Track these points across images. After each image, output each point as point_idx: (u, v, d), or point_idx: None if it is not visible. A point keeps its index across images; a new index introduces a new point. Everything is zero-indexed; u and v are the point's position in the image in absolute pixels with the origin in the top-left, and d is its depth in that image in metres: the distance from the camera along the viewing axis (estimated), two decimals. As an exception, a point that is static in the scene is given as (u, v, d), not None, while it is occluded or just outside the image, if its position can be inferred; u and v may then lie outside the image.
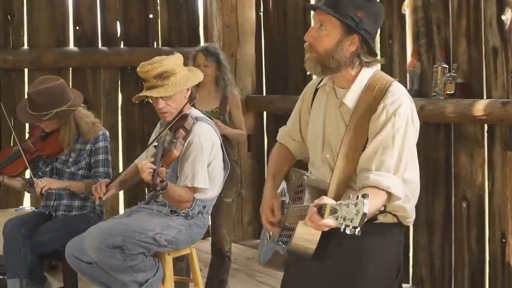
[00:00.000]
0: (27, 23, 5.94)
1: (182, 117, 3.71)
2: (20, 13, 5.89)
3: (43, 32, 5.98)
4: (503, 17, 4.37)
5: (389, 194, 2.58)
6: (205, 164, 3.71)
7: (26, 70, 5.97)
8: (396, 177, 2.60)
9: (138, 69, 3.80)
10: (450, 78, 4.54)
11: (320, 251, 2.70)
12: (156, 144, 3.64)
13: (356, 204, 2.27)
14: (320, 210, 2.39)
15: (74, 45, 6.14)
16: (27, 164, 4.14)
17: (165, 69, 3.69)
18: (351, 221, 2.26)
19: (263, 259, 3.04)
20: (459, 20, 4.66)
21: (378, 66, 2.96)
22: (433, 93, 4.65)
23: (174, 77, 3.71)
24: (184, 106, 3.76)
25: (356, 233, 2.25)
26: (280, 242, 2.81)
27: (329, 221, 2.37)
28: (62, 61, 5.98)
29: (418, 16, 4.96)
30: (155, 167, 3.40)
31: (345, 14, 2.62)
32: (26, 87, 5.94)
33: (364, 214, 2.24)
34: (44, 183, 4.03)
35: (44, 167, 4.30)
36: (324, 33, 2.65)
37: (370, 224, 2.63)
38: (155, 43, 6.49)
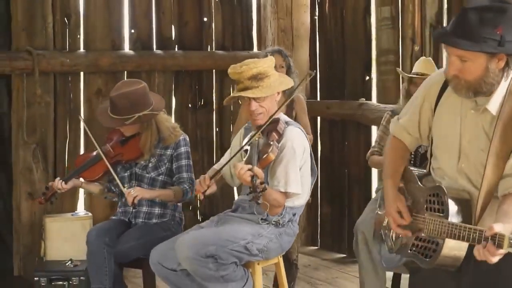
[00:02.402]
0: (83, 26, 5.86)
1: (274, 121, 3.63)
2: (76, 16, 5.81)
3: (99, 35, 5.90)
4: None
5: None
6: (298, 169, 3.64)
7: (82, 74, 5.89)
8: None
9: (229, 70, 3.73)
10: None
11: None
12: (248, 148, 3.56)
13: None
14: (494, 240, 2.35)
15: (129, 49, 6.07)
16: (110, 168, 4.05)
17: (260, 70, 3.62)
18: None
19: (387, 262, 2.98)
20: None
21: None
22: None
23: (268, 79, 3.64)
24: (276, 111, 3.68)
25: None
26: (417, 253, 2.73)
27: (505, 251, 2.36)
28: (118, 64, 5.91)
29: None
30: (253, 169, 3.33)
31: (484, 40, 2.51)
32: (82, 90, 5.88)
33: None
34: (137, 193, 3.95)
35: (123, 172, 4.23)
36: (468, 64, 2.57)
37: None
38: (209, 46, 6.41)
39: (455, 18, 2.62)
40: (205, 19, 6.37)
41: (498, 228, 2.37)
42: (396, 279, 4.53)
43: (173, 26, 6.25)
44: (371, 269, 4.40)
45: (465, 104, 2.71)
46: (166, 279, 3.75)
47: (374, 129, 6.05)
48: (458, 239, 2.52)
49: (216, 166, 3.97)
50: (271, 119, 3.63)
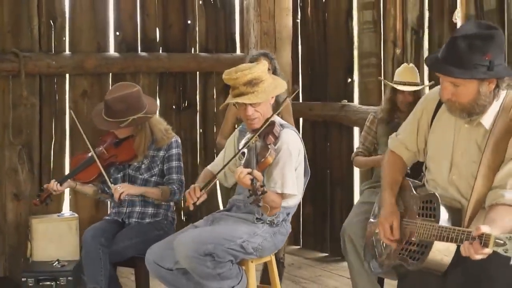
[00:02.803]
0: (69, 28, 5.91)
1: (270, 124, 3.72)
2: (62, 18, 5.85)
3: (84, 37, 5.95)
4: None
5: None
6: (294, 171, 3.73)
7: (67, 75, 5.93)
8: None
9: (224, 76, 3.78)
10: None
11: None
12: (245, 151, 3.64)
13: None
14: (481, 239, 2.45)
15: (114, 51, 6.12)
16: (102, 170, 4.12)
17: (255, 76, 3.68)
18: None
19: (374, 269, 3.08)
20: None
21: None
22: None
23: (263, 84, 3.71)
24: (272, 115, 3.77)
25: None
26: (406, 257, 2.84)
27: (490, 251, 2.45)
28: (103, 66, 5.96)
29: (462, 24, 5.00)
30: (252, 172, 3.41)
31: (475, 66, 2.66)
32: (67, 92, 5.92)
33: None
34: (123, 189, 4.02)
35: (116, 173, 4.30)
36: (460, 89, 2.71)
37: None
38: (192, 49, 6.48)
39: (446, 46, 2.78)
40: (189, 21, 6.44)
41: (485, 229, 2.48)
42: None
43: (157, 29, 6.31)
44: (361, 269, 4.53)
45: (459, 119, 2.85)
46: (163, 279, 3.81)
47: (356, 130, 6.18)
48: (447, 240, 2.63)
49: (210, 168, 4.04)
50: (267, 122, 3.72)
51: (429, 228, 2.73)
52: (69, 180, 4.24)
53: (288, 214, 3.89)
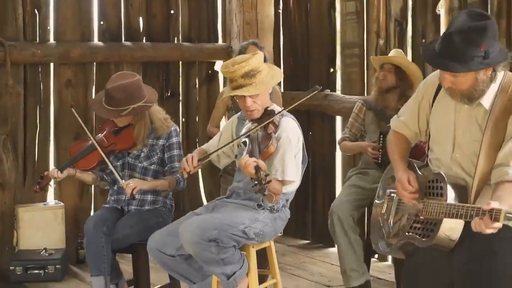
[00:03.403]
0: (53, 17, 5.90)
1: (269, 113, 3.79)
2: (46, 7, 5.84)
3: (69, 27, 5.94)
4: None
5: None
6: (293, 158, 3.81)
7: (52, 65, 5.93)
8: None
9: (222, 69, 3.85)
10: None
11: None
12: (245, 140, 3.70)
13: None
14: (491, 214, 2.57)
15: (98, 40, 6.12)
16: (105, 158, 4.16)
17: (252, 67, 3.74)
18: None
19: (383, 249, 3.19)
20: (499, 20, 4.84)
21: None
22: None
23: (260, 74, 3.77)
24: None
25: None
26: (415, 235, 2.94)
27: (501, 225, 2.58)
28: (88, 55, 5.96)
29: (454, 17, 5.12)
30: (257, 161, 3.49)
31: (471, 58, 2.78)
32: (52, 81, 5.92)
33: None
34: (135, 185, 4.06)
35: (115, 161, 4.33)
36: (459, 79, 2.85)
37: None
38: (175, 38, 6.51)
39: (441, 41, 2.89)
40: (172, 11, 6.47)
41: (495, 204, 2.61)
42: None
43: (141, 18, 6.32)
44: (348, 247, 4.75)
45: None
46: (164, 265, 3.88)
47: (338, 119, 6.29)
48: (457, 217, 2.75)
49: (205, 147, 4.11)
50: (267, 111, 3.79)
51: (438, 206, 2.85)
52: (69, 167, 4.26)
53: (287, 200, 3.98)
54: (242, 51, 5.21)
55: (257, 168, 3.44)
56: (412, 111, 3.21)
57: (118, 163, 4.33)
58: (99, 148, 4.18)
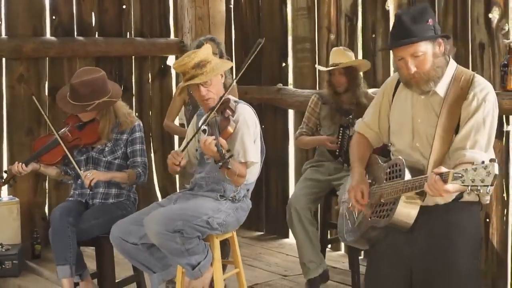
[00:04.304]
0: (5, 12, 5.86)
1: (224, 101, 3.93)
2: (-3, 2, 5.81)
3: (20, 21, 5.91)
4: (490, 15, 4.79)
5: None
6: (253, 140, 3.95)
7: (4, 59, 5.89)
8: (487, 154, 2.99)
9: (173, 65, 4.00)
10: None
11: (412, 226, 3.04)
12: (205, 128, 3.80)
13: (486, 167, 2.64)
14: (441, 177, 2.75)
15: (51, 35, 6.10)
16: (68, 153, 4.19)
17: (201, 58, 3.90)
18: (482, 182, 2.64)
19: (348, 237, 3.32)
20: (446, 17, 5.04)
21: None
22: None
23: (210, 64, 3.92)
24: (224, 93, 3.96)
25: (487, 191, 2.63)
26: (376, 217, 3.09)
27: (451, 186, 2.76)
28: (41, 50, 5.94)
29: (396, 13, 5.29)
30: (217, 138, 3.62)
31: (425, 31, 3.05)
32: (4, 76, 5.88)
33: (496, 175, 2.62)
34: (93, 176, 4.12)
35: (79, 156, 4.36)
36: (421, 58, 3.06)
37: (456, 202, 3.06)
38: (128, 33, 6.54)
39: (394, 26, 3.13)
40: (124, 6, 6.49)
41: (444, 169, 2.80)
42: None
43: (93, 13, 6.33)
44: (306, 240, 4.89)
45: (415, 93, 3.17)
46: (126, 253, 3.96)
47: (291, 113, 6.42)
48: (413, 189, 2.94)
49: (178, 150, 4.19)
50: (222, 99, 3.91)
51: (396, 185, 3.03)
52: (33, 162, 4.27)
53: (248, 190, 4.10)
54: (200, 46, 5.27)
55: (218, 145, 3.57)
56: (373, 112, 3.40)
57: (82, 158, 4.37)
58: (62, 143, 4.21)
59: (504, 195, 4.81)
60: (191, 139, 4.03)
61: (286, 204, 5.07)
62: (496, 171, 2.63)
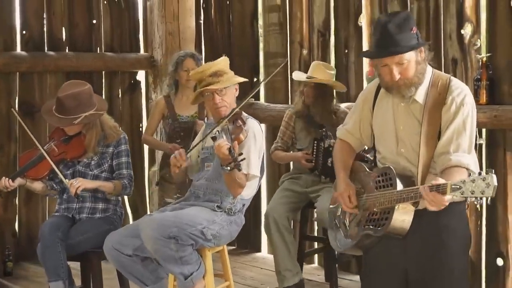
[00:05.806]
0: (-26, 26, 5.81)
1: (237, 112, 4.04)
2: (-33, 16, 5.74)
3: (-10, 36, 5.86)
4: (462, 31, 4.93)
5: (468, 171, 3.06)
6: (258, 155, 4.04)
7: (-27, 74, 5.83)
8: (470, 156, 3.12)
9: (191, 74, 4.20)
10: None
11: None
12: (215, 135, 3.86)
13: (484, 179, 2.73)
14: (439, 188, 2.83)
15: (21, 49, 6.05)
16: (54, 167, 4.16)
17: (219, 68, 4.07)
18: (482, 193, 2.72)
19: (341, 245, 3.37)
20: (419, 30, 5.07)
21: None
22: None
23: (227, 75, 4.10)
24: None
25: (489, 202, 2.68)
26: (371, 226, 3.15)
27: (450, 197, 2.83)
28: (12, 65, 5.89)
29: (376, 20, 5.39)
30: (229, 143, 3.70)
31: (409, 40, 3.12)
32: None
33: (495, 186, 2.71)
34: (79, 184, 4.11)
35: (66, 170, 4.34)
36: (405, 65, 3.14)
37: None
38: (98, 48, 6.52)
39: (379, 35, 3.17)
40: (94, 21, 6.47)
41: (441, 180, 2.88)
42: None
43: (63, 28, 6.30)
44: (283, 248, 4.95)
45: (395, 100, 3.26)
46: (120, 265, 3.98)
47: (263, 127, 6.45)
48: (408, 200, 3.02)
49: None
50: (234, 111, 4.03)
51: (389, 195, 3.10)
52: (19, 177, 4.23)
53: (243, 206, 4.13)
54: (179, 62, 5.32)
55: (231, 148, 3.65)
56: (354, 119, 3.47)
57: (68, 172, 4.35)
58: (47, 157, 4.18)
59: (478, 206, 4.92)
60: (197, 143, 4.13)
61: (257, 218, 5.13)
62: (495, 182, 2.72)
